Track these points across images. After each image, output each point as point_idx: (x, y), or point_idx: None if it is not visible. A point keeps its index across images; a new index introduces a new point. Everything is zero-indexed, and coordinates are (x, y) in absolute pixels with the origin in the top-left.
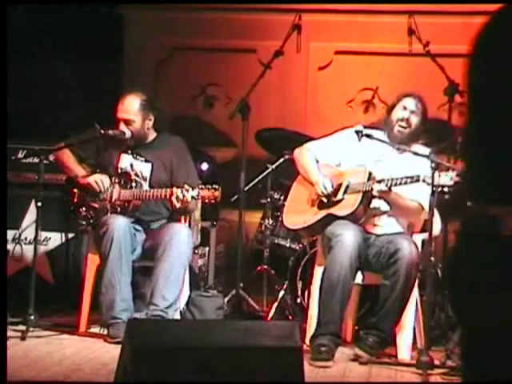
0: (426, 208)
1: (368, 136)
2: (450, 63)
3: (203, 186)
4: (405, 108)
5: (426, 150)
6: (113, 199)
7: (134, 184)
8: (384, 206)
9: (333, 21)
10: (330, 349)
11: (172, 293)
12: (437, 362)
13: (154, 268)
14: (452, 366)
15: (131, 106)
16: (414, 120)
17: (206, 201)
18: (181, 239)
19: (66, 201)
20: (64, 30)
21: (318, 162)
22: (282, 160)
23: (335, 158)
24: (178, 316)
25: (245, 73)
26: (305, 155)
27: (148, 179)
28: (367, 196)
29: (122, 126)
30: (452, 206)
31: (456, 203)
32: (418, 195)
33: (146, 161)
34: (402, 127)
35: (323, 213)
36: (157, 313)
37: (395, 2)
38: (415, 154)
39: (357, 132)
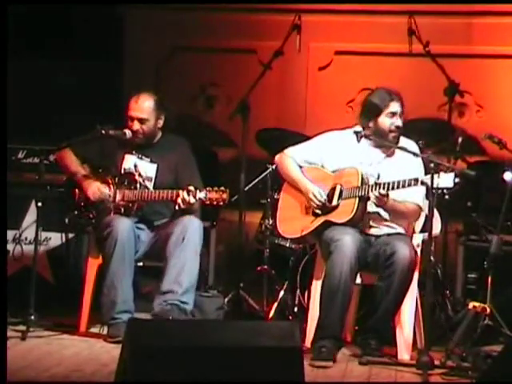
0: (424, 208)
1: (366, 137)
2: (450, 63)
3: (211, 188)
4: (393, 114)
5: (413, 144)
6: (116, 200)
7: (138, 185)
8: (381, 211)
9: (333, 21)
10: (330, 350)
11: (187, 280)
12: (437, 362)
13: (167, 260)
14: (452, 366)
15: (146, 105)
16: (401, 120)
17: (214, 203)
18: (193, 229)
19: (67, 201)
20: (64, 30)
21: (301, 167)
22: None
23: (317, 163)
24: (191, 306)
25: (245, 73)
26: (287, 163)
27: (153, 180)
28: (363, 200)
29: (136, 125)
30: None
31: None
32: (415, 197)
33: (152, 161)
34: (396, 133)
35: (320, 220)
36: (173, 301)
37: (395, 2)
38: (415, 154)
39: (356, 133)
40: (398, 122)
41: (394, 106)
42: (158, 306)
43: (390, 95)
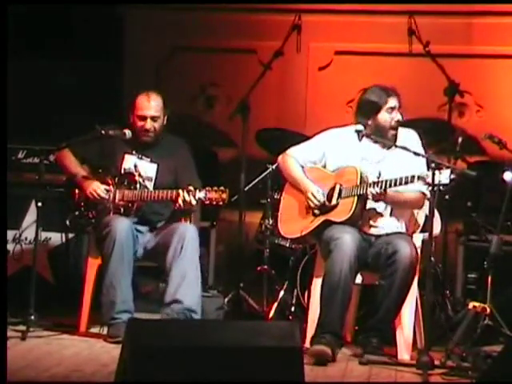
0: (427, 193)
1: (368, 136)
2: (450, 63)
3: (210, 188)
4: (392, 109)
5: (414, 134)
6: (116, 200)
7: (138, 185)
8: (380, 208)
9: (333, 21)
10: (330, 341)
11: (191, 289)
12: (437, 362)
13: (168, 271)
14: (452, 366)
15: (157, 103)
16: (400, 114)
17: (214, 203)
18: (190, 238)
19: (67, 201)
20: (64, 30)
21: (303, 167)
22: None
23: (319, 161)
24: (199, 314)
25: (245, 73)
26: (290, 163)
27: (153, 180)
28: (362, 199)
29: (149, 123)
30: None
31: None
32: (418, 184)
33: (152, 161)
34: (396, 129)
35: (320, 220)
36: (179, 310)
37: (395, 2)
38: (415, 153)
39: (357, 131)
40: (398, 116)
41: (392, 102)
42: (165, 317)
43: (387, 91)
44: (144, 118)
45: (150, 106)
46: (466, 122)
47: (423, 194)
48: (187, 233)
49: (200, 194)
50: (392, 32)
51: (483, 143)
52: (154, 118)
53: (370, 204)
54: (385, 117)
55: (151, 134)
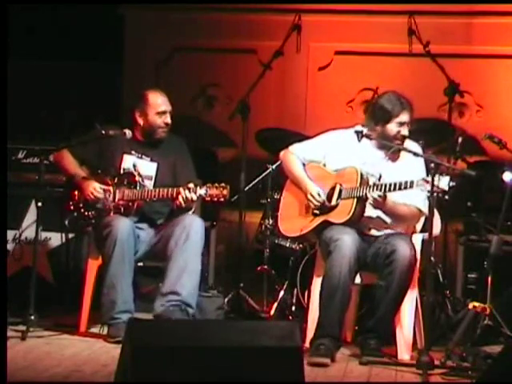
0: (424, 211)
1: (368, 137)
2: (450, 63)
3: (211, 185)
4: (402, 124)
5: (415, 145)
6: (116, 199)
7: (137, 185)
8: (382, 214)
9: (333, 21)
10: (328, 348)
11: (189, 282)
12: (437, 362)
13: (168, 261)
14: (452, 366)
15: (167, 99)
16: (408, 129)
17: (215, 199)
18: (195, 229)
19: (66, 202)
20: (64, 30)
21: (304, 165)
22: None
23: (320, 162)
24: (194, 309)
25: (245, 73)
26: (291, 160)
27: (153, 179)
28: (362, 201)
29: (167, 118)
30: (452, 206)
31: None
32: (416, 199)
33: (152, 160)
34: (401, 141)
35: (319, 220)
36: (175, 303)
37: (395, 2)
38: (415, 154)
39: (356, 132)
40: (405, 131)
41: (404, 117)
42: (160, 308)
43: (402, 104)
44: (164, 113)
45: (165, 101)
46: (465, 122)
47: (420, 210)
48: (193, 223)
49: (201, 191)
50: (392, 32)
51: (483, 143)
52: (170, 113)
53: (373, 212)
54: (393, 128)
55: (167, 128)
